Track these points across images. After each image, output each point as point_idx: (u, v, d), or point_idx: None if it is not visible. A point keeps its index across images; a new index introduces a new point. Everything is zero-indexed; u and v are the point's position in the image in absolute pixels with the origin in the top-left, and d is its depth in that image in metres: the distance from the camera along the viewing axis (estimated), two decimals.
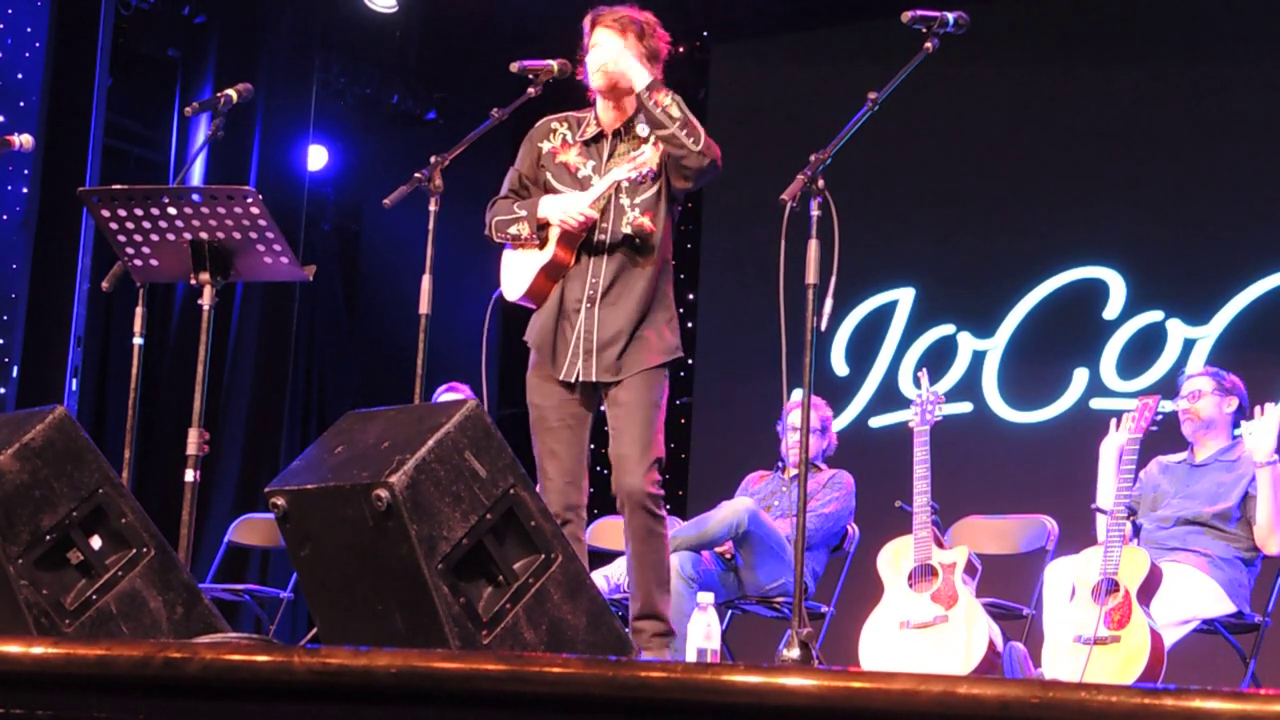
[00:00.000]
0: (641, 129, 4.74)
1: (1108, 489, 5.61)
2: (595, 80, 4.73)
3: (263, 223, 4.49)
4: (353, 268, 10.10)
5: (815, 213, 4.38)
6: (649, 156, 4.67)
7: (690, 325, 9.36)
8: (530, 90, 4.97)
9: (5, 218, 7.62)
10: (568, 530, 4.63)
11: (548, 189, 4.81)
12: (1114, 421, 5.75)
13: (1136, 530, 5.64)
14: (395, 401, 4.02)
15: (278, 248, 4.55)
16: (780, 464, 6.53)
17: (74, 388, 7.76)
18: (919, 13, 4.59)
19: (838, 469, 6.41)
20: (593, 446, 4.97)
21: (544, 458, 4.77)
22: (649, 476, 4.67)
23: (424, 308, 4.77)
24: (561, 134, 4.85)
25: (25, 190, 7.61)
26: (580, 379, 4.70)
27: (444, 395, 6.86)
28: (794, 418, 6.12)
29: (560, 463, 4.74)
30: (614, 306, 4.68)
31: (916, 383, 6.15)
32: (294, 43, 9.06)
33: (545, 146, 4.85)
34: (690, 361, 9.35)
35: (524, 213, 4.78)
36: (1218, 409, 5.74)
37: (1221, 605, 5.48)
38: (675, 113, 4.59)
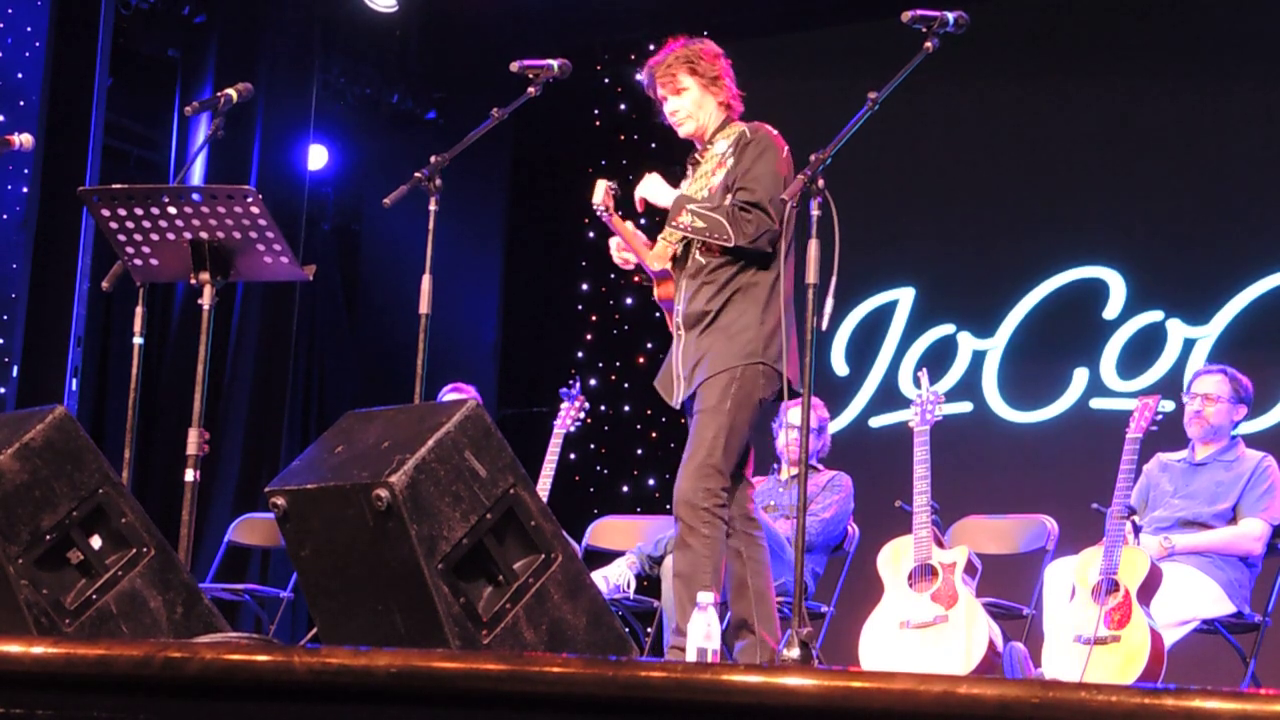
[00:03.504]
0: (720, 145, 4.82)
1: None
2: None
3: (263, 222, 4.49)
4: (353, 268, 10.10)
5: (815, 212, 4.38)
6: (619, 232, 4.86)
7: None
8: (530, 90, 4.98)
9: (5, 218, 7.61)
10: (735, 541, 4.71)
11: None
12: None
13: (1137, 530, 5.64)
14: (395, 401, 4.02)
15: (278, 248, 4.55)
16: (775, 465, 6.53)
17: (74, 388, 7.75)
18: (919, 13, 4.59)
19: (836, 470, 6.40)
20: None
21: None
22: (688, 481, 4.64)
23: (424, 308, 4.77)
24: (695, 158, 4.97)
25: (25, 190, 7.61)
26: (677, 402, 4.81)
27: (448, 395, 6.86)
28: (793, 415, 6.12)
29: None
30: (692, 330, 4.76)
31: (916, 383, 6.15)
32: (294, 43, 9.05)
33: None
34: None
35: None
36: (1228, 417, 5.75)
37: (1221, 605, 5.48)
38: (699, 224, 4.67)
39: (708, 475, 4.60)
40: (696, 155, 4.90)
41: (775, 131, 4.82)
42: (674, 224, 4.72)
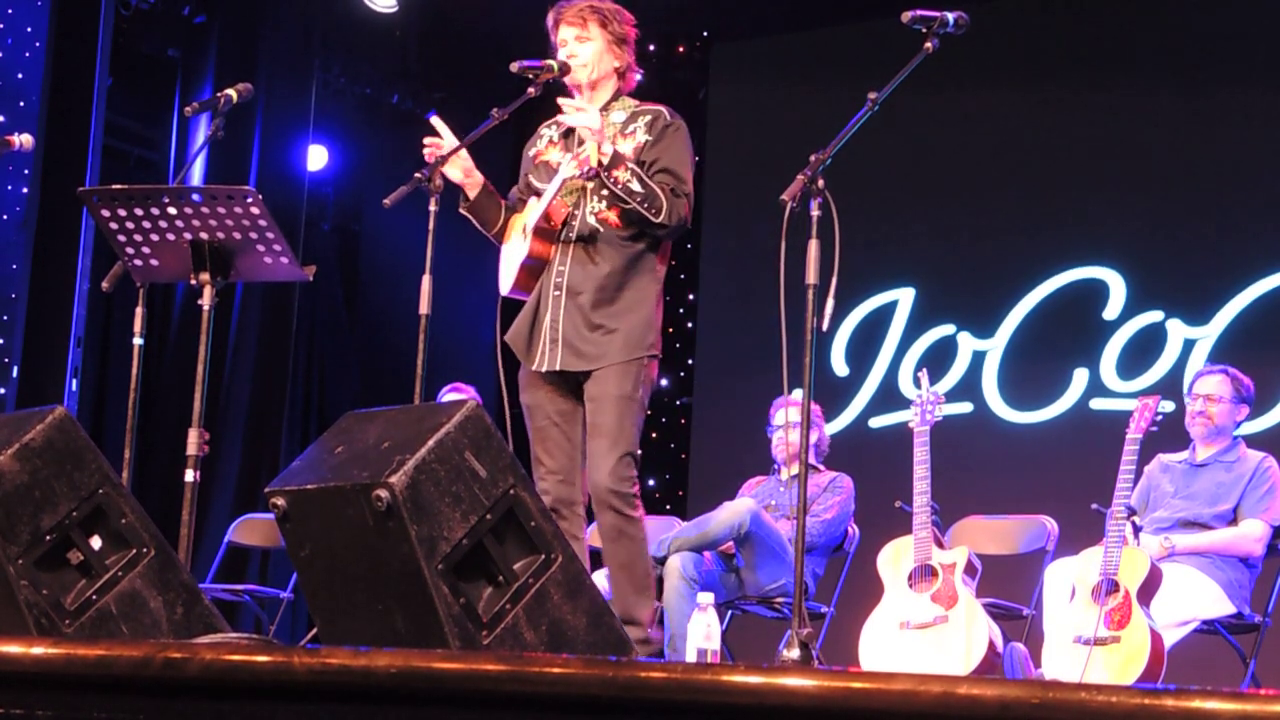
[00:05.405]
0: (617, 116, 4.78)
1: None
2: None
3: (263, 223, 4.48)
4: (353, 268, 10.10)
5: (815, 213, 4.38)
6: (590, 153, 4.68)
7: (690, 325, 9.37)
8: (530, 90, 4.97)
9: (5, 218, 7.62)
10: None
11: (532, 190, 4.84)
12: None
13: (1137, 531, 5.64)
14: (395, 401, 4.02)
15: (278, 248, 4.55)
16: (775, 466, 6.53)
17: (74, 388, 7.76)
18: (919, 13, 4.59)
19: (837, 471, 6.41)
20: None
21: (535, 457, 4.78)
22: (615, 473, 4.59)
23: (424, 308, 4.76)
24: (547, 136, 4.92)
25: (25, 190, 7.61)
26: (549, 368, 4.69)
27: (448, 395, 6.86)
28: (780, 418, 6.19)
29: (551, 460, 4.72)
30: (579, 296, 4.68)
31: (916, 383, 6.15)
32: (294, 43, 9.06)
33: (530, 152, 4.92)
34: (690, 361, 9.36)
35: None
36: (1231, 417, 5.75)
37: (1221, 605, 5.48)
38: (636, 187, 4.59)
39: (628, 464, 4.61)
40: None
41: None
42: (609, 176, 4.58)
